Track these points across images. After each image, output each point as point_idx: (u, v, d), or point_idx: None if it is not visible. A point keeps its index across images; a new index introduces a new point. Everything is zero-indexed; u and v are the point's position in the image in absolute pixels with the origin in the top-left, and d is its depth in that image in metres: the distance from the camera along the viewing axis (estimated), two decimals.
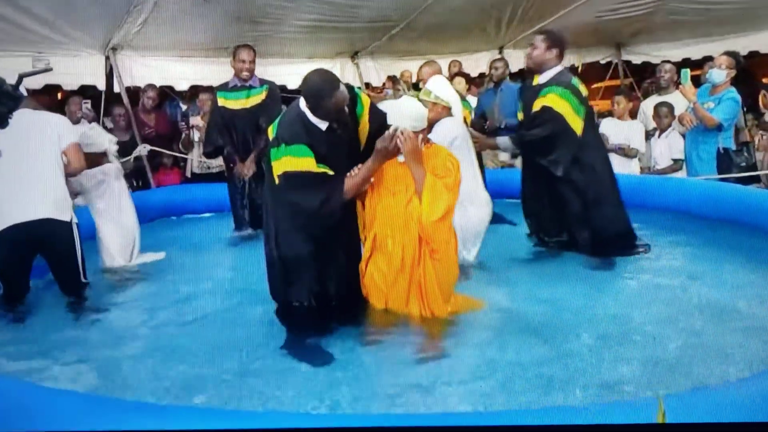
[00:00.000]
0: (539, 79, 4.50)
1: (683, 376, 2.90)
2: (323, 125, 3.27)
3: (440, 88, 4.45)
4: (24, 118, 3.88)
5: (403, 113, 3.35)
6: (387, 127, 3.32)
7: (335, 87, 3.19)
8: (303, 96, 3.30)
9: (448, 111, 4.38)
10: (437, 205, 3.24)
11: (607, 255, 4.50)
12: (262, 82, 5.60)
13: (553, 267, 4.46)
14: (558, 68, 4.51)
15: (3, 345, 3.50)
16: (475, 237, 4.32)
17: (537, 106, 4.40)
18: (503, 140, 4.75)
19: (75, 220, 4.00)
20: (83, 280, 4.07)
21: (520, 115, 4.74)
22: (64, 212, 3.94)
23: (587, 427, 2.08)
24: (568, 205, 4.49)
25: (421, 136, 3.32)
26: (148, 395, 2.95)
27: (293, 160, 3.19)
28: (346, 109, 3.27)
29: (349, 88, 3.42)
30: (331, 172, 3.23)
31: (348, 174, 3.28)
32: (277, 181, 3.26)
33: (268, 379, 3.07)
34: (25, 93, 3.96)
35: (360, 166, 3.30)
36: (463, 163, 3.70)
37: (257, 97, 5.48)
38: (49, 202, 3.88)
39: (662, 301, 3.83)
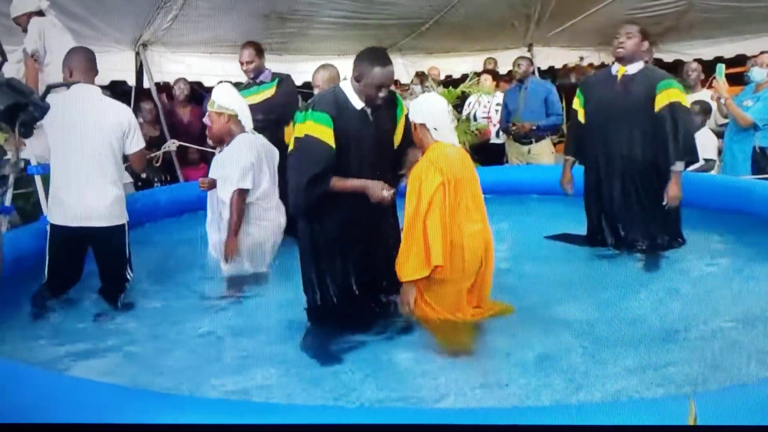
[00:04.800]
0: (628, 70, 4.41)
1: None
2: (358, 105, 3.35)
3: (222, 95, 4.26)
4: (94, 100, 3.86)
5: (413, 107, 3.42)
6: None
7: (387, 62, 3.33)
8: (356, 61, 3.37)
9: (235, 120, 4.19)
10: (405, 263, 3.24)
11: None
12: (275, 76, 5.46)
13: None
14: (642, 62, 4.46)
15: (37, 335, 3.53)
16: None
17: (668, 99, 4.30)
18: (679, 165, 4.33)
19: (126, 219, 3.95)
20: (129, 275, 4.01)
21: (578, 107, 4.66)
22: (119, 215, 3.88)
23: (616, 428, 2.06)
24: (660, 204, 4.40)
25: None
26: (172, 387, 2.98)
27: (313, 125, 3.27)
28: (385, 93, 3.32)
29: (390, 93, 3.50)
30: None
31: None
32: (291, 146, 3.38)
33: (293, 374, 3.09)
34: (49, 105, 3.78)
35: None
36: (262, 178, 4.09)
37: (268, 92, 5.33)
38: (107, 204, 3.81)
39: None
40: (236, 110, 4.19)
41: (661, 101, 4.31)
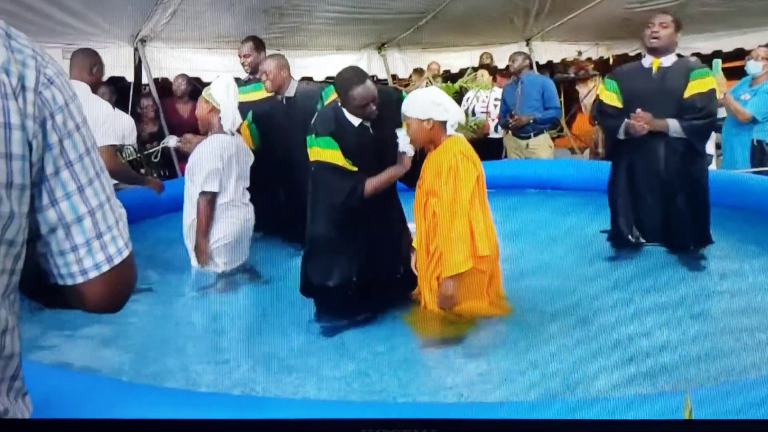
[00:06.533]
0: (663, 62, 4.26)
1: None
2: (356, 121, 3.42)
3: (217, 87, 4.20)
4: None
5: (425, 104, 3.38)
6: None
7: (361, 80, 3.37)
8: (335, 87, 3.50)
9: (216, 115, 4.13)
10: (450, 257, 3.23)
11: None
12: None
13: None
14: (675, 54, 4.33)
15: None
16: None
17: (701, 87, 4.19)
18: (674, 124, 4.18)
19: None
20: None
21: (614, 99, 4.41)
22: None
23: (612, 422, 2.07)
24: (698, 198, 4.32)
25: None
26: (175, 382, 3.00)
27: (321, 151, 3.38)
28: (374, 107, 3.38)
29: (397, 91, 3.63)
30: (354, 168, 3.37)
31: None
32: (311, 167, 3.47)
33: (294, 366, 3.11)
34: None
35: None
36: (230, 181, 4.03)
37: (264, 92, 5.10)
38: None
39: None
40: (221, 107, 4.13)
41: (693, 88, 4.19)
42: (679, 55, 4.47)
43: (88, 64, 4.17)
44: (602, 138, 7.41)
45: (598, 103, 4.64)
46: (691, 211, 4.30)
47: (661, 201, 4.33)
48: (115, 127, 4.18)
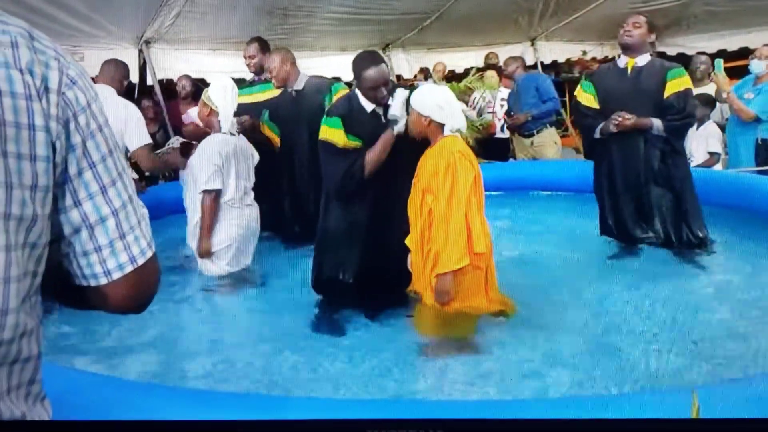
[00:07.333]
0: (637, 61, 4.35)
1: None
2: (369, 107, 3.51)
3: (214, 89, 4.24)
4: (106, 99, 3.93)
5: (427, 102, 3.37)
6: None
7: (376, 63, 3.49)
8: (352, 70, 3.59)
9: (215, 116, 4.17)
10: (446, 254, 3.20)
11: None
12: None
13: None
14: (649, 54, 4.41)
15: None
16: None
17: (678, 87, 4.27)
18: (657, 122, 4.27)
19: None
20: None
21: (591, 100, 4.52)
22: None
23: (618, 421, 2.06)
24: (682, 195, 4.36)
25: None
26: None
27: (327, 130, 3.49)
28: (385, 92, 3.45)
29: (410, 88, 3.62)
30: (358, 144, 3.46)
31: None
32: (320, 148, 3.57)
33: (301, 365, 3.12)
34: None
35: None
36: (230, 180, 4.06)
37: (270, 92, 5.16)
38: None
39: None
40: (218, 108, 4.16)
41: (671, 88, 4.27)
42: (659, 54, 4.56)
43: (119, 75, 4.49)
44: None
45: (575, 104, 4.73)
46: (677, 208, 4.36)
47: (643, 198, 4.40)
48: (145, 127, 4.38)
